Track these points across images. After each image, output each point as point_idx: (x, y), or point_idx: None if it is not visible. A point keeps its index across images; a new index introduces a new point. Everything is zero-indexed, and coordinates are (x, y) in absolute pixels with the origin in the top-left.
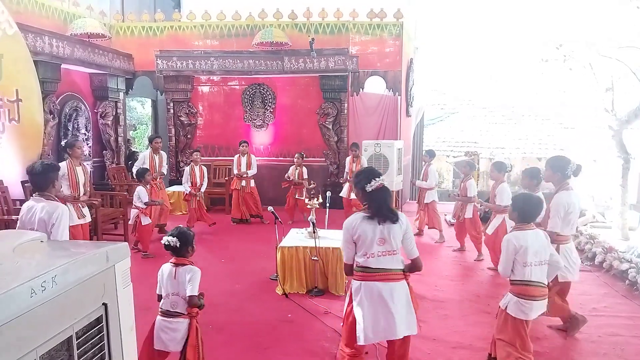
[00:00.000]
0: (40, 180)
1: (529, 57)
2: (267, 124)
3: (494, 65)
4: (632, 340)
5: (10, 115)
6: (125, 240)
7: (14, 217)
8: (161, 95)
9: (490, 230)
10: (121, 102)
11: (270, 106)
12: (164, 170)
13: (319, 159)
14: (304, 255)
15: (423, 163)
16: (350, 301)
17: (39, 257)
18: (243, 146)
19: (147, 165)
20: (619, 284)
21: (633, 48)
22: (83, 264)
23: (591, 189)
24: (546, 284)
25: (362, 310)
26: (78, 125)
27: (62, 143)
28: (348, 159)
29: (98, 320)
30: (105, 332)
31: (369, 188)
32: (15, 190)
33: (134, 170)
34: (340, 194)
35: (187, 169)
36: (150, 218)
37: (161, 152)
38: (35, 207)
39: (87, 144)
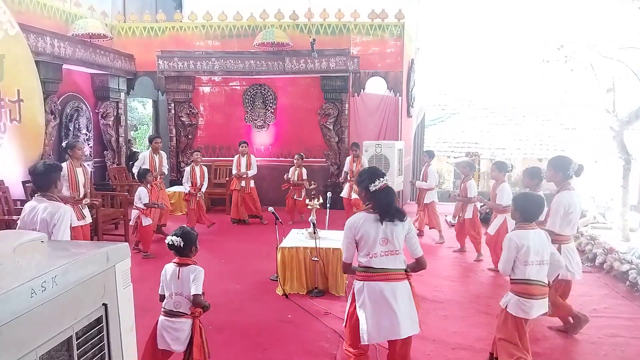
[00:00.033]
0: (42, 180)
1: (530, 58)
2: (268, 125)
3: (495, 66)
4: (632, 342)
5: (12, 116)
6: (125, 241)
7: (14, 217)
8: (162, 95)
9: (492, 230)
10: (122, 102)
11: (271, 107)
12: (165, 170)
13: (319, 159)
14: (305, 256)
15: (423, 164)
16: (353, 301)
17: (39, 258)
18: (243, 146)
19: (147, 166)
20: (619, 285)
21: (634, 49)
22: (83, 264)
23: (592, 190)
24: (546, 283)
25: (365, 310)
26: (79, 125)
27: (63, 144)
28: (348, 159)
29: (98, 321)
30: (105, 332)
31: (372, 188)
32: (16, 191)
33: (134, 170)
34: (341, 195)
35: (187, 168)
36: (151, 219)
37: (161, 152)
38: (38, 207)
39: (88, 144)
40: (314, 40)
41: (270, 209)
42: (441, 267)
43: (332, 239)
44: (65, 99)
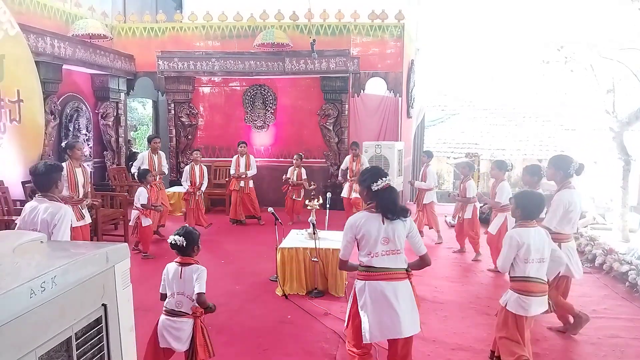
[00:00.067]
0: (43, 180)
1: (529, 59)
2: (268, 125)
3: (495, 66)
4: (632, 342)
5: (12, 116)
6: (125, 241)
7: (14, 217)
8: (162, 96)
9: (493, 229)
10: (122, 102)
11: (271, 107)
12: (165, 169)
13: (319, 160)
14: (304, 257)
15: (422, 164)
16: (355, 301)
17: (38, 258)
18: (242, 147)
19: (145, 166)
20: (619, 285)
21: (634, 50)
22: (83, 264)
23: (592, 191)
24: (546, 280)
25: (367, 309)
26: (79, 125)
27: (63, 144)
28: (347, 158)
29: (97, 321)
30: (104, 333)
31: (374, 187)
32: (16, 191)
33: (133, 170)
34: (341, 195)
35: (187, 167)
36: (151, 219)
37: (160, 152)
38: (39, 207)
39: (88, 145)
40: (314, 40)
41: (270, 209)
42: (441, 268)
43: (331, 239)
44: (65, 99)
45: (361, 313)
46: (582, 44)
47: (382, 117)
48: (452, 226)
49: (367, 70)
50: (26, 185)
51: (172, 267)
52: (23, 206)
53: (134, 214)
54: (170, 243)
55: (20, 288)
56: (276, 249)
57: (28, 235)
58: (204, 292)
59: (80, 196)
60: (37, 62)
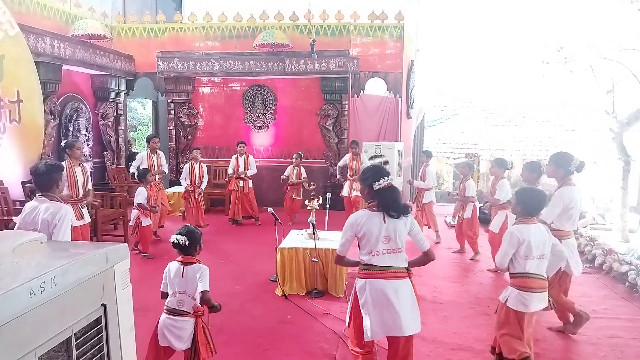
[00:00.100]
0: (44, 180)
1: (529, 59)
2: (268, 125)
3: (495, 67)
4: (631, 343)
5: (11, 116)
6: (124, 241)
7: (14, 217)
8: (162, 96)
9: (495, 227)
10: (122, 103)
11: (270, 107)
12: (165, 169)
13: (319, 160)
14: (304, 257)
15: (421, 164)
16: (355, 300)
17: (38, 258)
18: (241, 146)
19: (145, 166)
20: (618, 286)
21: (634, 50)
22: (82, 264)
23: (591, 191)
24: (546, 277)
25: (368, 307)
26: (79, 126)
27: (62, 143)
28: (347, 156)
29: (97, 321)
30: (104, 333)
31: (376, 186)
32: (16, 191)
33: (131, 170)
34: (342, 194)
35: (187, 165)
36: (151, 219)
37: (159, 151)
38: (39, 207)
39: (88, 145)
40: (314, 41)
41: (270, 209)
42: (441, 268)
43: (331, 239)
44: (64, 99)
45: (362, 311)
46: (581, 44)
47: (382, 117)
48: (452, 226)
49: (366, 71)
50: (26, 185)
51: (174, 266)
52: (23, 206)
53: (134, 213)
54: (173, 242)
55: (20, 288)
56: (276, 249)
57: (28, 236)
58: (208, 289)
59: (80, 195)
60: (36, 63)
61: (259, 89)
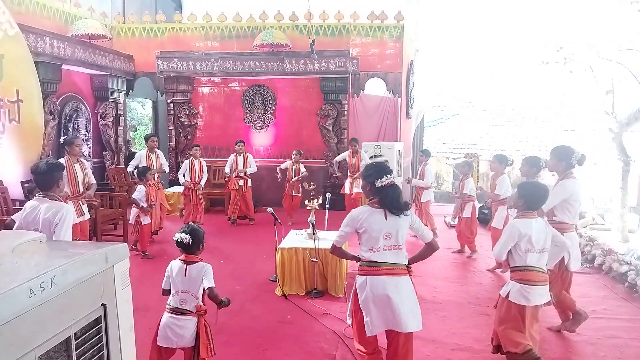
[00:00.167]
0: (45, 179)
1: (529, 59)
2: (267, 126)
3: (494, 67)
4: (631, 343)
5: (11, 116)
6: (124, 241)
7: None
8: (161, 96)
9: (498, 224)
10: (121, 103)
11: (270, 107)
12: (166, 168)
13: (318, 160)
14: (304, 257)
15: (420, 163)
16: (355, 298)
17: (38, 258)
18: (239, 145)
19: (143, 165)
20: (618, 286)
21: (633, 51)
22: (82, 264)
23: (591, 191)
24: (546, 270)
25: (369, 304)
26: (78, 126)
27: (61, 139)
28: (347, 153)
29: (97, 321)
30: (104, 332)
31: (379, 184)
32: (15, 191)
33: (129, 169)
34: (342, 191)
35: (186, 161)
36: (151, 219)
37: (157, 150)
38: (40, 207)
39: (87, 145)
40: (314, 41)
41: (270, 209)
42: (440, 268)
43: (331, 239)
44: (64, 99)
45: (362, 308)
46: (581, 44)
47: (382, 117)
48: (452, 226)
49: (366, 71)
50: (25, 185)
51: (176, 265)
52: (22, 206)
53: (133, 212)
54: (176, 241)
55: (19, 288)
56: (276, 249)
57: (27, 235)
58: (214, 285)
59: (80, 192)
60: (36, 62)
61: (258, 89)
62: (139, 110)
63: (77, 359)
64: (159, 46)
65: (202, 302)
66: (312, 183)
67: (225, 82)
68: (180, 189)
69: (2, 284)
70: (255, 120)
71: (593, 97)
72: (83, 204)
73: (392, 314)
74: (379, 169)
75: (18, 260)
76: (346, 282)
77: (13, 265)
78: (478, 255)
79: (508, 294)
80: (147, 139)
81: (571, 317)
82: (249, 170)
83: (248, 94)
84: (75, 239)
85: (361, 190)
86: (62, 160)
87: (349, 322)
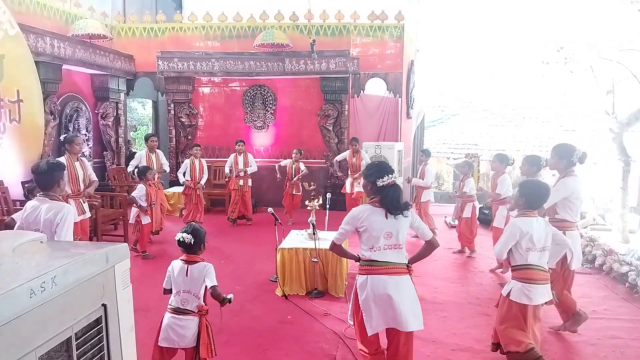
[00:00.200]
0: (45, 179)
1: (529, 59)
2: (268, 126)
3: (495, 67)
4: (631, 343)
5: (11, 116)
6: (125, 241)
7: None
8: (162, 96)
9: (499, 223)
10: (122, 103)
11: (270, 107)
12: (166, 167)
13: (319, 160)
14: (304, 257)
15: (420, 162)
16: (356, 297)
17: (38, 258)
18: (239, 145)
19: (143, 164)
20: (618, 286)
21: (634, 51)
22: (83, 264)
23: (591, 192)
24: (547, 269)
25: (369, 303)
26: (79, 125)
27: (61, 138)
28: (347, 152)
29: (97, 321)
30: (104, 333)
31: (380, 183)
32: (16, 191)
33: (129, 169)
34: (342, 191)
35: (187, 160)
36: (151, 219)
37: (157, 150)
38: (41, 207)
39: (88, 145)
40: (314, 41)
41: (270, 210)
42: (441, 268)
43: (331, 240)
44: (64, 99)
45: (363, 307)
46: (581, 44)
47: (382, 117)
48: (453, 227)
49: (366, 71)
50: (26, 185)
51: (177, 265)
52: (22, 206)
53: (133, 211)
54: (178, 240)
55: (20, 288)
56: (276, 250)
57: (28, 235)
58: (217, 284)
59: (81, 190)
60: (36, 62)
61: (259, 89)
62: (140, 110)
63: (78, 359)
64: (160, 46)
65: (204, 302)
66: (312, 183)
67: (226, 82)
68: (180, 189)
69: (3, 284)
70: (256, 120)
71: (593, 97)
72: (84, 203)
73: (393, 313)
74: (381, 168)
75: (19, 261)
76: (346, 283)
77: (14, 265)
78: (478, 255)
79: (509, 293)
80: (147, 138)
81: (571, 317)
82: (250, 170)
83: (248, 94)
84: (76, 238)
85: (362, 190)
86: (62, 159)
87: (351, 322)
